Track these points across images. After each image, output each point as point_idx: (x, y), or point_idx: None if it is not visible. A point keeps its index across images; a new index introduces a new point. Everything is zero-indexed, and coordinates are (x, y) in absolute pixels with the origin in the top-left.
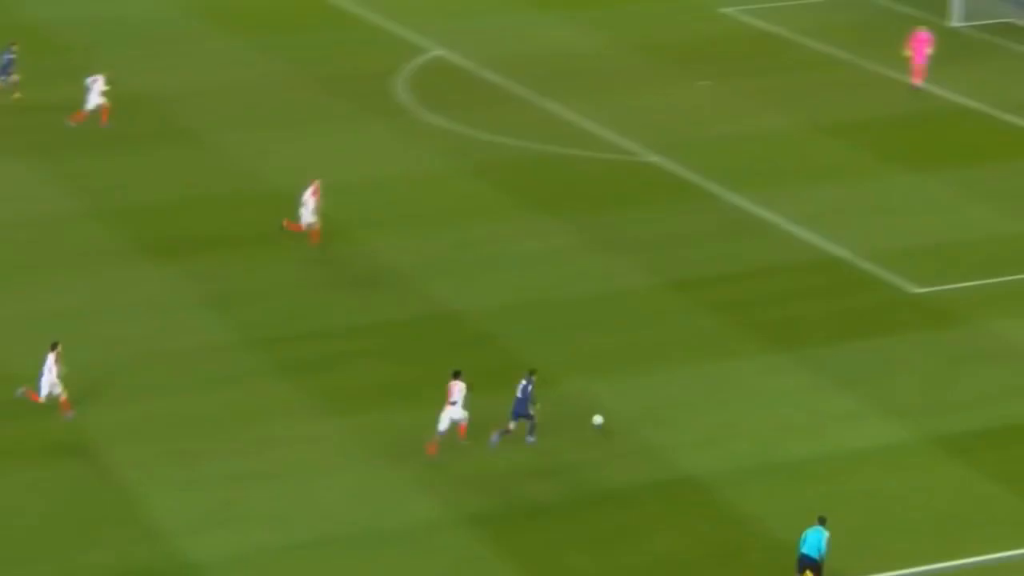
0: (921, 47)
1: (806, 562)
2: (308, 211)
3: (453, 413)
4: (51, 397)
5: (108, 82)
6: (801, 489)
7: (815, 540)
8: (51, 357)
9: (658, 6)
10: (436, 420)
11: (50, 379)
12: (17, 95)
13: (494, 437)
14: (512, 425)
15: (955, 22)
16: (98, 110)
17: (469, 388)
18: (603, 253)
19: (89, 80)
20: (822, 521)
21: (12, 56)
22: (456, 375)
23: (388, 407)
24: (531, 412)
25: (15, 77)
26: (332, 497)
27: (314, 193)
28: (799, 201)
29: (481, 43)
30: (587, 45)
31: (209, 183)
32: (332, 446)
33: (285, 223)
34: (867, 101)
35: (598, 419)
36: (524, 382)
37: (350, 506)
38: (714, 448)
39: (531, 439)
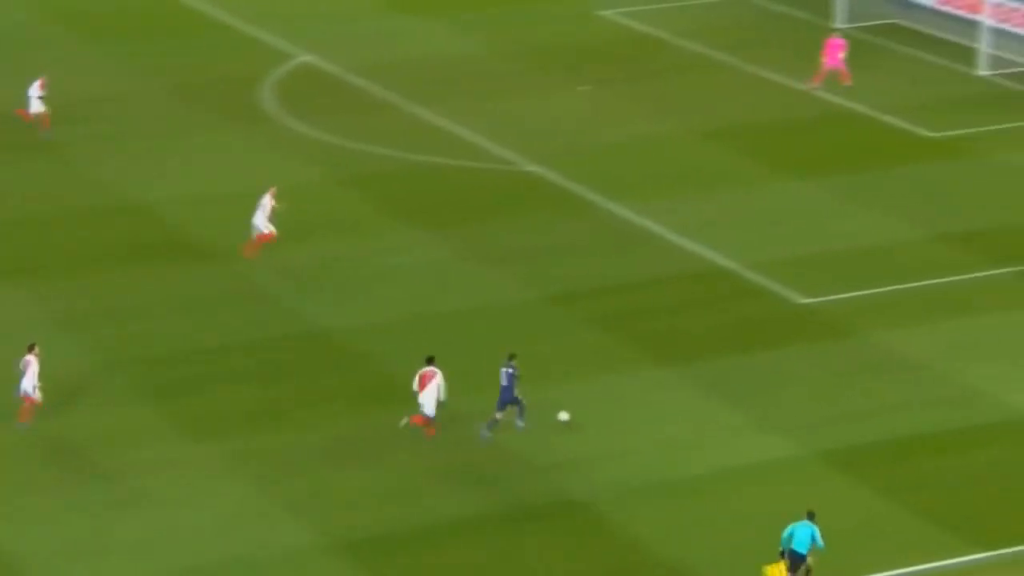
0: (834, 52)
1: (796, 559)
2: (263, 217)
3: (426, 399)
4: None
5: (43, 87)
6: (689, 507)
7: (804, 536)
8: (31, 359)
9: (534, 9)
10: (420, 406)
11: (32, 380)
12: None
13: (484, 431)
14: (499, 415)
15: (839, 23)
16: (39, 116)
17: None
18: (480, 266)
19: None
20: (811, 516)
21: None
22: (430, 361)
23: (257, 430)
24: (518, 396)
25: None
26: (200, 525)
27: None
28: (683, 210)
29: (350, 48)
30: (461, 50)
31: (64, 197)
32: (199, 472)
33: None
34: (751, 106)
35: (564, 415)
36: (507, 369)
37: (219, 534)
38: (600, 468)
39: (521, 423)
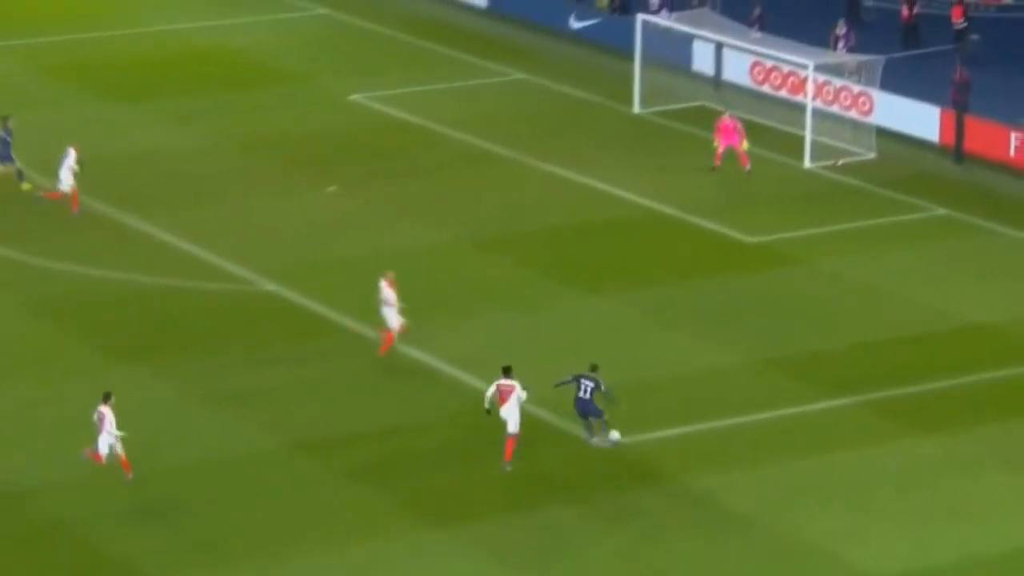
0: (728, 133)
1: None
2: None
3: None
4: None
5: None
6: None
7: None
8: (106, 410)
9: (271, 95)
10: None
11: (108, 437)
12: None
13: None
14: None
15: (637, 108)
16: (69, 194)
17: None
18: (212, 409)
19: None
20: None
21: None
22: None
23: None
24: (601, 409)
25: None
26: None
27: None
28: (459, 334)
29: (41, 143)
30: (182, 145)
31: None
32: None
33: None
34: (535, 207)
35: (615, 435)
36: (589, 383)
37: None
38: None
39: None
